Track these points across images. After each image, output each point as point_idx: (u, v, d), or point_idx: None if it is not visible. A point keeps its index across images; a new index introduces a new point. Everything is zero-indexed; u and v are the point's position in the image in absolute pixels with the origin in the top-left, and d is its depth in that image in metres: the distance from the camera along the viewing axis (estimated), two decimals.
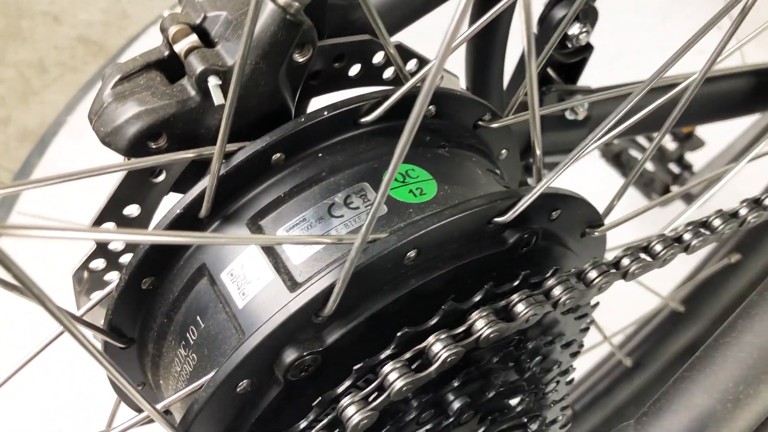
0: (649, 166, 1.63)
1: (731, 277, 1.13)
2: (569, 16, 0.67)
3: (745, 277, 1.12)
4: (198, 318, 0.55)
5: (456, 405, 0.54)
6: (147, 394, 0.65)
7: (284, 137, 0.53)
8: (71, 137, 2.08)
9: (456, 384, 0.52)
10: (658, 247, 0.57)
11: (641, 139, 1.57)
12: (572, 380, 0.66)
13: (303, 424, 0.49)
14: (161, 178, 0.61)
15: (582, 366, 1.25)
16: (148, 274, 0.55)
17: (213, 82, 0.51)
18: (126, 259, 0.63)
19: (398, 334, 0.49)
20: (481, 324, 0.50)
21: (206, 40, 0.54)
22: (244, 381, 0.48)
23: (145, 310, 0.57)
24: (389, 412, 0.53)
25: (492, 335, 0.50)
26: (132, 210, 0.62)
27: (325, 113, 0.54)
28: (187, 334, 0.55)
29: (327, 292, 0.47)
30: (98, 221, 0.62)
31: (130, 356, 0.62)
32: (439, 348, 0.49)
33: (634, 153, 1.63)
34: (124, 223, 0.62)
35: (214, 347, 0.53)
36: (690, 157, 1.53)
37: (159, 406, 0.48)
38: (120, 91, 0.53)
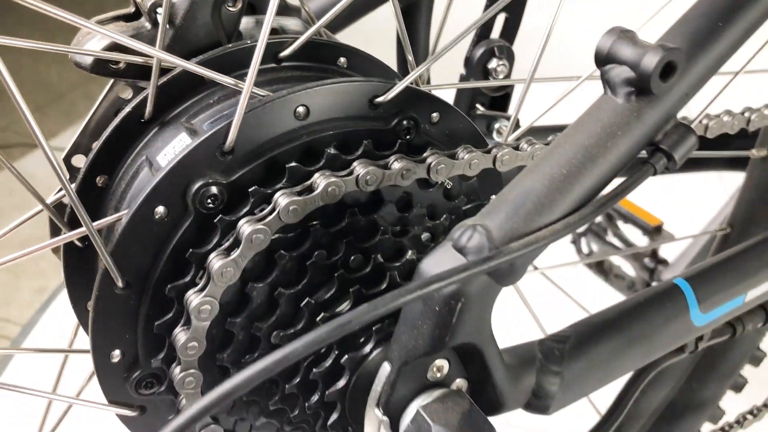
0: (629, 269, 1.70)
1: None
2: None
3: None
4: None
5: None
6: None
7: (213, 58, 0.68)
8: None
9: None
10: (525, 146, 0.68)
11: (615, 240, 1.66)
12: None
13: (209, 246, 0.58)
14: None
15: None
16: (101, 172, 0.68)
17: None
18: None
19: (287, 165, 0.59)
20: (360, 169, 0.60)
21: None
22: (160, 207, 0.58)
23: (97, 209, 0.69)
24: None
25: (368, 177, 0.60)
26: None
27: (248, 42, 0.69)
28: None
29: (225, 130, 0.59)
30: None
31: (84, 258, 0.71)
32: (323, 181, 0.59)
33: (617, 261, 1.72)
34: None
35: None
36: (664, 251, 1.60)
37: (95, 224, 0.58)
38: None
